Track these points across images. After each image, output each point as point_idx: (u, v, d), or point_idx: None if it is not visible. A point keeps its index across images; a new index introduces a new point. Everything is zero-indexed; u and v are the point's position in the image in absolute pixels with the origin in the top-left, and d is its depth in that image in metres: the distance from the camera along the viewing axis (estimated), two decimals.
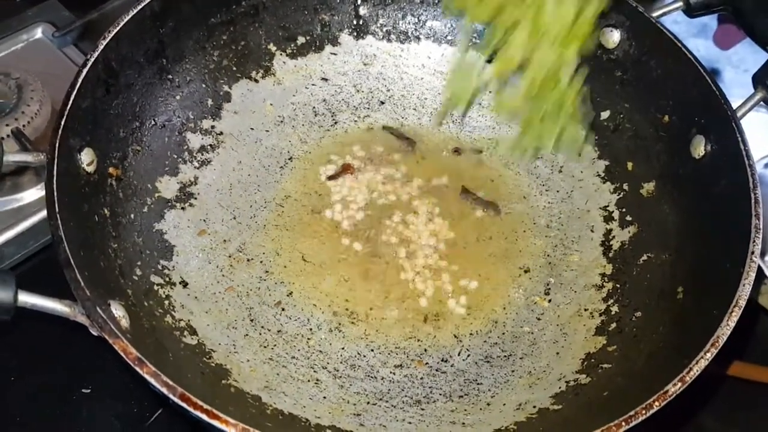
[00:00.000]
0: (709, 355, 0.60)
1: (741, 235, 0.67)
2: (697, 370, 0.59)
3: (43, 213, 0.83)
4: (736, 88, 1.02)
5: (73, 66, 0.99)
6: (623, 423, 0.56)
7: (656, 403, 0.57)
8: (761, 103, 0.79)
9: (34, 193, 0.88)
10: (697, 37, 1.20)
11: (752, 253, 0.65)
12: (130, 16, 0.77)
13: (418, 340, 0.76)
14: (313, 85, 0.94)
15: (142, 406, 0.77)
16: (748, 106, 0.77)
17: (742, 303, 0.63)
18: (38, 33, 1.04)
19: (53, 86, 0.91)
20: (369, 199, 0.86)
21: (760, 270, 0.80)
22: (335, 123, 0.93)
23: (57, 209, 0.62)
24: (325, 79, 0.94)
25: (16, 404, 0.76)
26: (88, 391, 0.77)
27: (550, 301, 0.80)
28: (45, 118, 0.90)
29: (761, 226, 0.67)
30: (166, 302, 0.73)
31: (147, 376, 0.55)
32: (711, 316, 0.63)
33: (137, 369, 0.55)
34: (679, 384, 0.58)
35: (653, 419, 0.57)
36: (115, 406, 0.77)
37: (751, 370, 0.82)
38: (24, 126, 0.88)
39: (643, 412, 0.57)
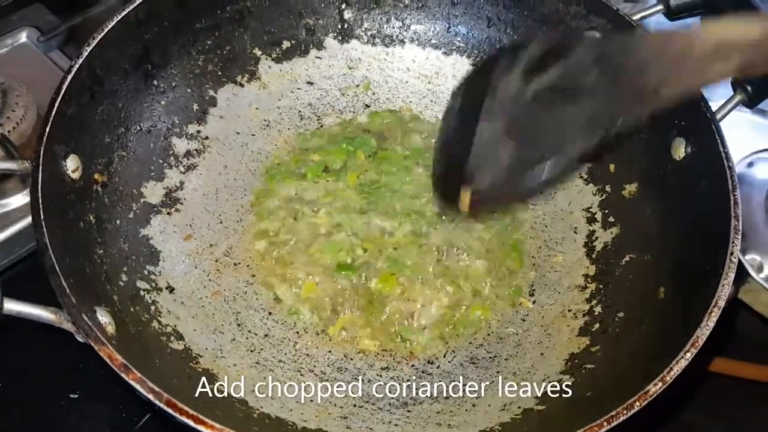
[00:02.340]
0: (689, 355, 0.61)
1: (720, 236, 0.68)
2: (678, 370, 0.60)
3: (28, 219, 0.84)
4: (718, 89, 1.03)
5: (59, 70, 0.99)
6: (605, 423, 0.57)
7: (637, 403, 0.58)
8: (740, 105, 0.80)
9: (19, 199, 0.88)
10: None
11: (731, 254, 0.66)
12: (114, 21, 0.77)
13: (404, 342, 0.77)
14: (298, 89, 0.94)
15: (130, 411, 0.77)
16: (727, 108, 0.78)
17: (722, 303, 0.64)
18: (23, 37, 1.04)
19: (38, 91, 0.91)
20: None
21: (743, 267, 0.82)
22: (321, 126, 0.93)
23: (42, 216, 0.63)
24: (311, 83, 0.95)
25: (4, 411, 0.76)
26: (76, 396, 0.77)
27: (534, 302, 0.81)
28: (30, 123, 0.90)
29: (740, 228, 0.68)
30: (153, 308, 0.73)
31: (133, 383, 0.55)
32: (691, 316, 0.64)
33: (123, 375, 0.55)
34: (660, 384, 0.59)
35: (637, 415, 0.58)
36: (103, 411, 0.77)
37: (733, 366, 0.83)
38: (9, 132, 0.87)
39: (625, 412, 0.58)
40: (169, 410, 0.54)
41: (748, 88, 0.78)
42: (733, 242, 0.67)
